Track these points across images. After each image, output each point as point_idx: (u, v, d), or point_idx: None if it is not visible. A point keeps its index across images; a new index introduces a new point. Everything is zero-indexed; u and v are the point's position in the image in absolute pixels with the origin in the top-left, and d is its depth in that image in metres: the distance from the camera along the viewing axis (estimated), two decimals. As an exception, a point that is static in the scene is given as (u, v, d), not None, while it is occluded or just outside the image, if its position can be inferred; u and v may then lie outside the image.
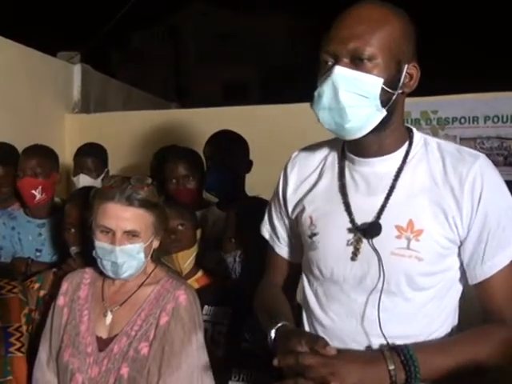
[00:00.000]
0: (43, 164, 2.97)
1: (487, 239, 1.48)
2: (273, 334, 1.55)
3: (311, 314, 1.68)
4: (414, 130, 1.61)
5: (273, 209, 1.84)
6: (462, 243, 1.51)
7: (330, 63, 1.46)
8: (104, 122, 5.17)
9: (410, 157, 1.56)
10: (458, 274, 1.56)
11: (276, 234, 1.84)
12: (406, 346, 1.43)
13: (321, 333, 1.61)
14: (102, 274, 2.02)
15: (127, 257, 1.90)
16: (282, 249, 1.84)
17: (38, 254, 2.95)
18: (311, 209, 1.66)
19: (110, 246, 1.89)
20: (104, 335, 1.95)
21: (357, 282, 1.55)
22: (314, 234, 1.63)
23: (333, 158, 1.68)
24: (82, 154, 3.57)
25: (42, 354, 2.04)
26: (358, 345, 1.54)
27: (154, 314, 1.93)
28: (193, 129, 4.38)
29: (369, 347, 1.54)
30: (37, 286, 2.31)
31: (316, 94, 1.48)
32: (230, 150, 2.96)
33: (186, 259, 2.40)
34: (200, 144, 3.16)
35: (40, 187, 2.94)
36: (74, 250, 2.41)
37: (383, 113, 1.46)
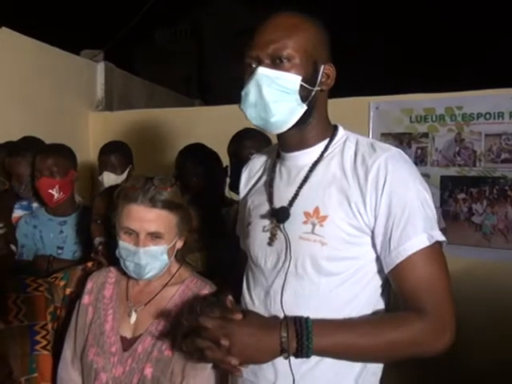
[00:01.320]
0: (59, 163, 2.98)
1: (392, 228, 1.53)
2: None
3: (242, 298, 1.79)
4: (341, 128, 1.73)
5: (239, 207, 2.02)
6: (372, 233, 1.57)
7: (253, 66, 1.61)
8: (127, 119, 5.20)
9: (328, 151, 1.68)
10: (375, 266, 1.61)
11: (239, 228, 2.00)
12: (305, 318, 1.50)
13: None
14: (126, 273, 2.02)
15: (150, 258, 1.90)
16: (242, 242, 1.95)
17: (59, 251, 2.97)
18: (250, 202, 1.84)
19: (134, 248, 1.89)
20: (128, 335, 1.95)
21: (273, 265, 1.67)
22: (249, 224, 1.80)
23: (272, 157, 1.86)
24: (105, 152, 3.60)
25: (67, 352, 2.05)
26: (275, 319, 1.59)
27: (178, 314, 1.92)
28: (216, 126, 4.39)
29: None
30: (62, 283, 2.32)
31: (243, 93, 1.62)
32: (254, 149, 2.95)
33: (201, 257, 2.41)
34: (223, 141, 3.16)
35: (57, 186, 2.97)
36: (97, 240, 2.42)
37: (304, 107, 1.61)
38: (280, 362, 1.51)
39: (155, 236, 1.90)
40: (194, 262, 2.32)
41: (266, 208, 1.73)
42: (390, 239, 1.53)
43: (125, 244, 1.91)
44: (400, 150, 1.63)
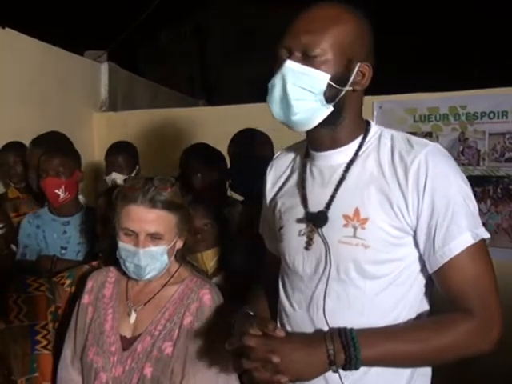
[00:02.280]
0: (65, 163, 2.98)
1: (435, 228, 1.48)
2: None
3: (280, 304, 1.74)
4: (373, 123, 1.66)
5: (263, 207, 1.94)
6: (415, 233, 1.52)
7: (284, 57, 1.52)
8: (131, 119, 5.21)
9: (362, 149, 1.61)
10: (418, 265, 1.56)
11: (264, 229, 1.94)
12: (349, 329, 1.46)
13: (285, 321, 1.69)
14: (126, 273, 2.03)
15: (150, 259, 1.90)
16: (269, 243, 1.92)
17: (63, 251, 2.97)
18: (280, 204, 1.77)
19: (134, 248, 1.88)
20: (128, 334, 1.95)
21: (312, 271, 1.61)
22: (281, 227, 1.73)
23: (301, 156, 1.77)
24: (112, 152, 3.61)
25: (67, 352, 2.05)
26: (318, 333, 1.56)
27: (177, 313, 1.94)
28: (220, 126, 4.38)
29: None
30: (68, 281, 2.32)
31: (269, 85, 1.55)
32: (255, 149, 2.95)
33: (212, 258, 2.40)
34: (226, 142, 3.17)
35: (63, 186, 2.96)
36: (99, 247, 2.41)
37: (329, 108, 1.53)
38: (329, 374, 1.47)
39: (155, 237, 1.89)
40: (195, 261, 2.32)
41: (300, 211, 1.66)
42: (434, 239, 1.49)
43: (124, 245, 1.91)
44: (437, 144, 1.56)
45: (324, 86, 1.49)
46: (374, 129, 1.64)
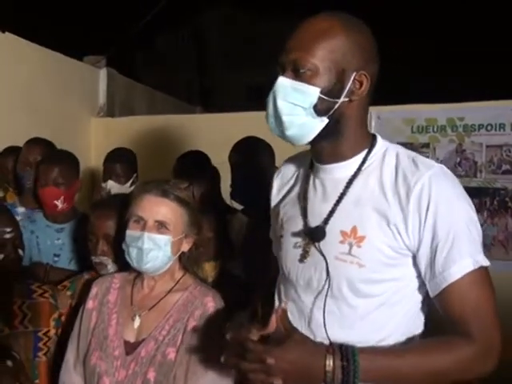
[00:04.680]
0: (65, 173, 2.92)
1: (436, 252, 1.47)
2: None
3: (274, 310, 1.72)
4: (379, 138, 1.63)
5: (270, 212, 1.92)
6: (415, 255, 1.51)
7: (279, 74, 1.53)
8: (129, 125, 5.22)
9: (366, 164, 1.58)
10: (415, 284, 1.56)
11: (271, 234, 1.93)
12: (351, 346, 1.45)
13: None
14: (130, 279, 2.07)
15: (153, 245, 1.93)
16: (274, 248, 1.90)
17: (55, 258, 2.92)
18: (282, 212, 1.76)
19: (139, 233, 1.94)
20: (132, 339, 1.96)
21: (306, 283, 1.61)
22: (281, 236, 1.73)
23: (306, 165, 1.75)
24: (111, 159, 3.57)
25: (69, 356, 2.06)
26: (319, 343, 1.55)
27: (181, 319, 1.95)
28: (217, 133, 4.41)
29: None
30: (69, 293, 2.32)
31: (265, 104, 1.56)
32: (256, 157, 2.95)
33: (213, 269, 2.41)
34: (224, 149, 3.16)
35: (62, 197, 2.91)
36: (93, 259, 2.31)
37: (324, 121, 1.52)
38: None
39: (162, 225, 1.95)
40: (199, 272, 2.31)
41: (299, 223, 1.66)
42: (434, 263, 1.48)
43: (131, 232, 1.97)
44: (442, 166, 1.54)
45: (314, 100, 1.49)
46: (380, 144, 1.62)
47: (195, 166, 3.09)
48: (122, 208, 2.10)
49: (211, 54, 20.95)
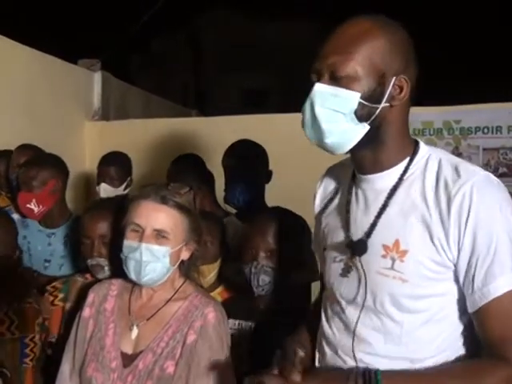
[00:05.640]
0: (38, 175, 2.88)
1: (476, 266, 1.39)
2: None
3: (321, 326, 1.68)
4: (422, 144, 1.55)
5: (315, 223, 1.85)
6: (455, 268, 1.44)
7: (314, 80, 1.47)
8: (124, 129, 5.21)
9: (408, 173, 1.51)
10: (462, 299, 1.46)
11: (316, 247, 1.87)
12: (375, 370, 1.40)
13: (324, 345, 1.63)
14: (129, 286, 2.01)
15: (151, 257, 1.85)
16: (320, 264, 1.83)
17: (46, 264, 2.91)
18: (325, 223, 1.70)
19: (137, 243, 1.85)
20: (129, 351, 1.90)
21: (350, 298, 1.55)
22: (325, 249, 1.68)
23: (348, 175, 1.68)
24: (105, 163, 3.58)
25: (65, 366, 2.01)
26: (353, 361, 1.52)
27: (181, 331, 1.89)
28: (212, 137, 4.41)
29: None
30: (61, 295, 2.31)
31: (302, 112, 1.50)
32: (250, 161, 2.94)
33: (210, 272, 2.39)
34: (219, 153, 3.15)
35: (34, 200, 2.86)
36: (89, 262, 2.33)
37: (366, 127, 1.45)
38: None
39: (161, 235, 1.87)
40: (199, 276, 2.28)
41: (341, 235, 1.60)
42: (473, 278, 1.39)
43: (128, 242, 1.89)
44: (488, 174, 1.45)
45: (355, 105, 1.42)
46: (423, 150, 1.53)
47: (190, 169, 3.08)
48: (118, 211, 2.05)
49: (207, 57, 20.94)
